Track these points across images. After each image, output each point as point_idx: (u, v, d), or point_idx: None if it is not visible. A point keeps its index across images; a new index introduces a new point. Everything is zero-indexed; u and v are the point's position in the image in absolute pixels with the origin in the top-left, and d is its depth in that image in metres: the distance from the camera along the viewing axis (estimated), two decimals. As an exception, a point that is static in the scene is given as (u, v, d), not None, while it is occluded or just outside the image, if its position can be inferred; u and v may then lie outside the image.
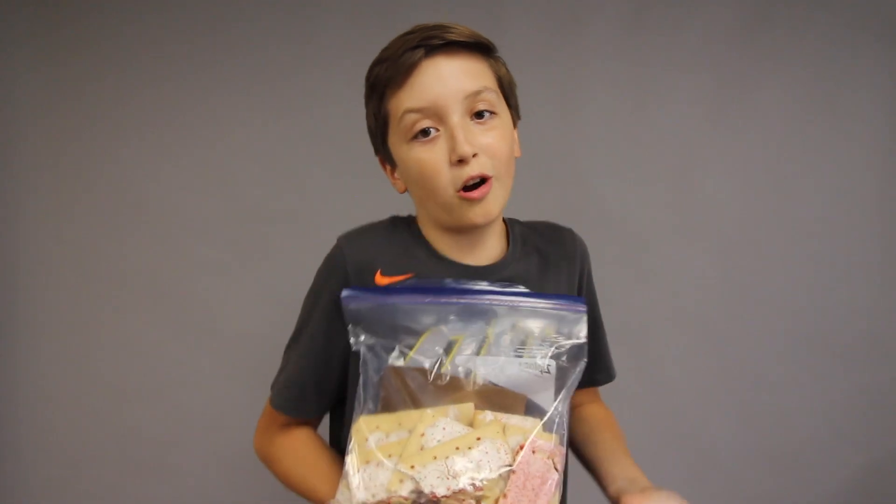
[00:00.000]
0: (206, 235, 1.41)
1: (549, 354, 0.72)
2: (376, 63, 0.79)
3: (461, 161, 0.74)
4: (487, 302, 0.74)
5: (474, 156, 0.74)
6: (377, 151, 0.85)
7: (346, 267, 0.80)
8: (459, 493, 0.63)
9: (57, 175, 1.39)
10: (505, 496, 0.64)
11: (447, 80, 0.74)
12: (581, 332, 0.73)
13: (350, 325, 0.73)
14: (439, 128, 0.75)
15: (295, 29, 1.40)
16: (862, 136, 1.43)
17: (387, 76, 0.76)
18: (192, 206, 1.40)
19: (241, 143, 1.40)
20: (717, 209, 1.44)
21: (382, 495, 0.64)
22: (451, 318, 0.73)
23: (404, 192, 0.85)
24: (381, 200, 1.37)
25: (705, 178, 1.43)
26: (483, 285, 0.76)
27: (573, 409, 0.94)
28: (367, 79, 0.80)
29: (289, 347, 0.87)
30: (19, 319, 1.40)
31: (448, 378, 0.69)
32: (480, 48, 0.78)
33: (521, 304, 0.74)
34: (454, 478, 0.63)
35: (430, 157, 0.75)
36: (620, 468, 0.83)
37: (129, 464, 1.40)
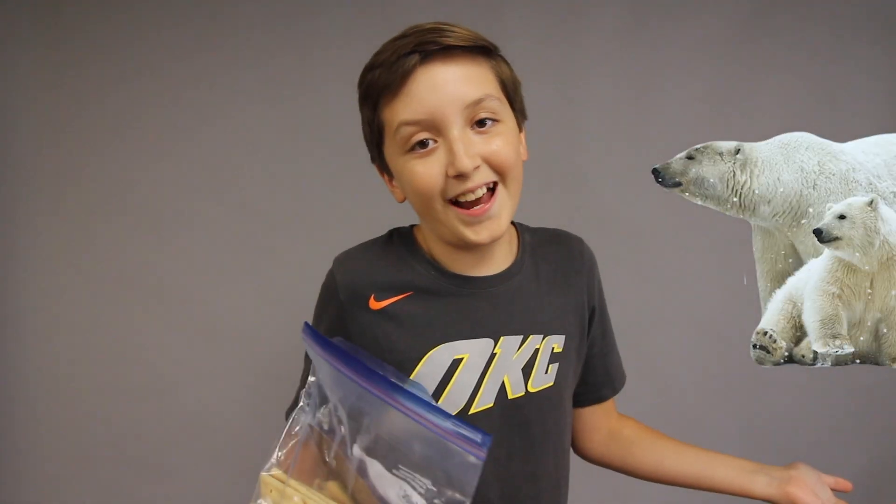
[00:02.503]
0: (206, 235, 1.40)
1: (425, 494, 0.60)
2: (368, 69, 0.73)
3: (460, 176, 0.69)
4: (402, 410, 0.61)
5: (476, 168, 0.70)
6: (374, 160, 0.81)
7: (338, 295, 0.77)
8: None
9: (57, 175, 1.39)
10: None
11: (444, 88, 0.69)
12: (468, 486, 0.59)
13: (312, 363, 0.67)
14: (437, 139, 0.70)
15: (296, 29, 1.40)
16: (862, 136, 1.42)
17: (380, 84, 0.71)
18: (192, 206, 1.40)
19: (242, 143, 1.40)
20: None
21: None
22: (365, 401, 0.62)
23: (403, 201, 0.80)
24: (382, 200, 1.37)
25: (705, 177, 1.43)
26: (418, 392, 0.64)
27: (611, 435, 0.94)
28: (360, 85, 0.75)
29: (304, 363, 0.84)
30: (19, 319, 1.40)
31: (340, 464, 0.62)
32: (480, 50, 0.73)
33: (410, 412, 0.60)
34: None
35: (426, 170, 0.71)
36: (731, 462, 0.88)
37: (129, 464, 1.40)
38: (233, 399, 1.40)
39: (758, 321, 1.43)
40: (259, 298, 1.41)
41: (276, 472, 0.62)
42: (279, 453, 0.63)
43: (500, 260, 0.82)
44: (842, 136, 1.42)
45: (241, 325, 1.41)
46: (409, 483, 0.60)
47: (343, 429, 0.62)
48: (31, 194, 1.39)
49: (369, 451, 0.61)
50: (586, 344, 0.89)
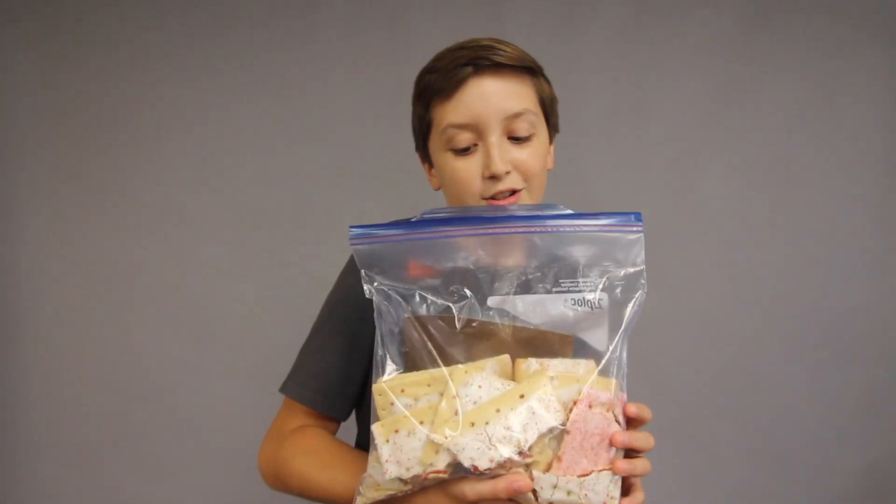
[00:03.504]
0: (206, 235, 1.40)
1: (601, 286, 0.63)
2: (427, 71, 0.82)
3: (493, 177, 0.77)
4: (523, 229, 0.64)
5: (507, 173, 0.77)
6: (418, 149, 0.89)
7: None
8: (505, 463, 0.55)
9: (57, 175, 1.39)
10: (559, 459, 0.56)
11: (491, 99, 0.77)
12: (638, 257, 0.64)
13: (363, 271, 0.65)
14: (477, 143, 0.78)
15: (295, 29, 1.40)
16: (861, 136, 1.43)
17: (435, 87, 0.79)
18: (192, 206, 1.40)
19: (242, 142, 1.40)
20: (717, 209, 1.44)
21: (417, 469, 0.56)
22: (480, 252, 0.63)
23: (438, 189, 0.88)
24: (382, 200, 1.38)
25: (705, 178, 1.43)
26: (516, 210, 0.67)
27: None
28: (417, 83, 0.84)
29: (309, 343, 0.86)
30: (20, 319, 1.40)
31: (479, 324, 0.60)
32: (526, 69, 0.81)
33: (562, 228, 0.63)
34: (496, 447, 0.55)
35: (465, 167, 0.79)
36: None
37: (130, 464, 1.40)
38: (233, 399, 1.40)
39: (756, 321, 1.43)
40: (259, 298, 1.40)
41: (386, 378, 0.61)
42: (380, 362, 0.62)
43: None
44: (842, 134, 1.43)
45: (241, 325, 1.40)
46: (575, 290, 0.61)
47: (466, 291, 0.62)
48: (29, 194, 1.39)
49: (517, 290, 0.61)
50: None
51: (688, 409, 1.44)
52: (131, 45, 1.39)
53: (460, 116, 0.78)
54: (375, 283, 0.63)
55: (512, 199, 0.79)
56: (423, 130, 0.84)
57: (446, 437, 0.55)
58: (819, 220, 1.44)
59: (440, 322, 0.60)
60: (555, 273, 0.63)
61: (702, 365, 1.44)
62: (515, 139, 0.79)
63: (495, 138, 0.77)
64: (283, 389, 0.85)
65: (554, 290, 0.62)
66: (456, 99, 0.78)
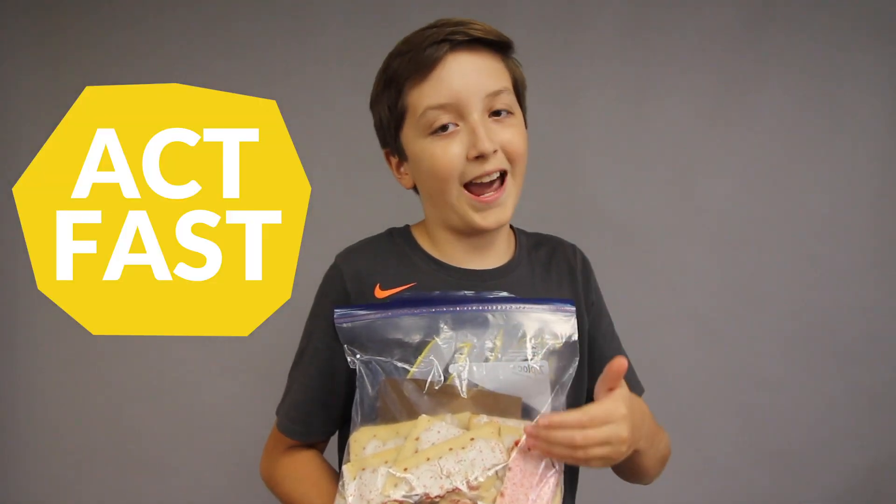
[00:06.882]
0: (206, 235, 1.40)
1: (541, 355, 0.71)
2: (396, 55, 0.77)
3: (480, 157, 0.74)
4: (477, 309, 0.72)
5: (494, 152, 0.74)
6: (385, 145, 0.84)
7: (344, 285, 0.79)
8: (454, 493, 0.62)
9: (57, 175, 1.39)
10: (502, 494, 0.63)
11: (470, 76, 0.74)
12: (570, 332, 0.72)
13: (346, 345, 0.71)
14: (458, 123, 0.75)
15: (294, 29, 1.40)
16: (862, 136, 1.43)
17: (408, 69, 0.75)
18: (192, 205, 1.40)
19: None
20: (717, 209, 1.43)
21: (377, 501, 0.63)
22: (443, 327, 0.72)
23: (411, 187, 0.84)
24: (380, 201, 1.37)
25: (705, 178, 1.43)
26: (470, 294, 0.74)
27: None
28: (385, 71, 0.78)
29: (293, 370, 0.84)
30: (19, 319, 1.40)
31: (441, 385, 0.69)
32: (500, 48, 0.78)
33: (510, 309, 0.73)
34: (447, 477, 0.63)
35: (447, 151, 0.74)
36: None
37: (130, 464, 1.40)
38: (233, 399, 1.40)
39: (756, 320, 1.43)
40: (259, 298, 1.41)
41: (361, 429, 0.69)
42: (357, 417, 0.70)
43: (498, 255, 0.84)
44: (840, 140, 1.43)
45: (241, 324, 1.41)
46: (519, 359, 0.70)
47: (432, 359, 0.71)
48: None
49: (473, 358, 0.71)
50: (586, 342, 0.89)
51: (688, 409, 1.44)
52: (129, 41, 1.39)
53: (440, 96, 0.73)
54: (358, 356, 0.71)
55: (501, 190, 0.75)
56: (394, 120, 0.78)
57: (404, 471, 0.63)
58: (820, 220, 1.43)
59: (411, 384, 0.69)
60: (504, 345, 0.71)
61: (702, 365, 1.44)
62: (496, 119, 0.75)
63: (478, 115, 0.74)
64: (277, 412, 0.85)
65: (503, 358, 0.71)
66: (433, 78, 0.73)
